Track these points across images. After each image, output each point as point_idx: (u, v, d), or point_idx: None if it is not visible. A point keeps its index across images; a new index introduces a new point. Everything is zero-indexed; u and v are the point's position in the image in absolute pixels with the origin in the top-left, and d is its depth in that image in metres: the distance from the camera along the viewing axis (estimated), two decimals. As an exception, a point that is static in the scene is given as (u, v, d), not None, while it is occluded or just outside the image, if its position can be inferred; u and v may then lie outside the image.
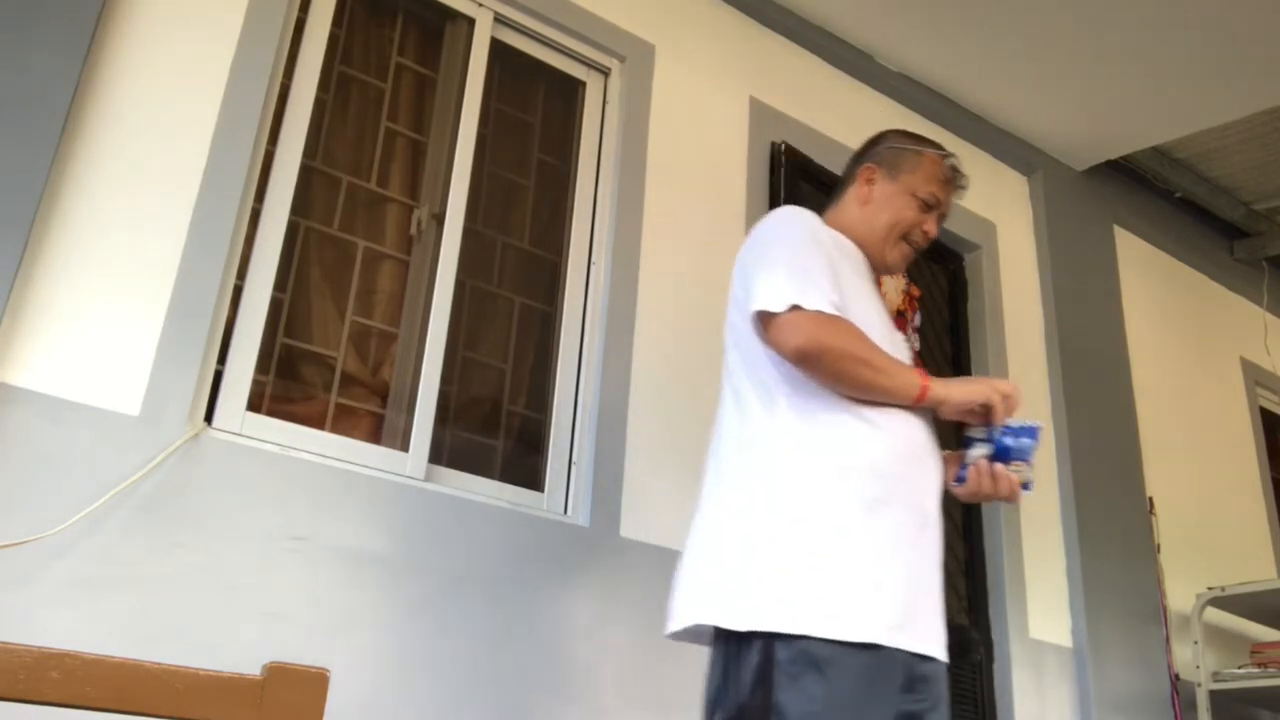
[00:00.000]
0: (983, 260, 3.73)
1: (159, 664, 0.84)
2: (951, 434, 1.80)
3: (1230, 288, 4.70)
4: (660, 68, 3.08)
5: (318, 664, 0.90)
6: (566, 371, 2.72)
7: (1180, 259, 4.52)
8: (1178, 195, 4.51)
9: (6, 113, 1.97)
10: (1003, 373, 3.56)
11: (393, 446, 2.41)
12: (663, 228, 2.91)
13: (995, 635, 3.25)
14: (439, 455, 2.47)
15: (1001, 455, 1.71)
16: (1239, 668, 3.56)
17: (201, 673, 0.85)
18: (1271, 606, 3.66)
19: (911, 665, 1.55)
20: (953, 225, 3.57)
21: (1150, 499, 3.78)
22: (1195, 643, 3.56)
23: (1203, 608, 3.62)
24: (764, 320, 1.64)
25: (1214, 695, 3.51)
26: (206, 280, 2.14)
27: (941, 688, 1.63)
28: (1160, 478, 3.85)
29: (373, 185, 2.62)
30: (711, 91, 3.19)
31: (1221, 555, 3.99)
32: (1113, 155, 4.06)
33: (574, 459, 2.62)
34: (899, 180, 1.88)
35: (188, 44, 2.27)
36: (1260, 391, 4.66)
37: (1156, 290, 4.34)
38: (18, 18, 2.03)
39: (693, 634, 1.64)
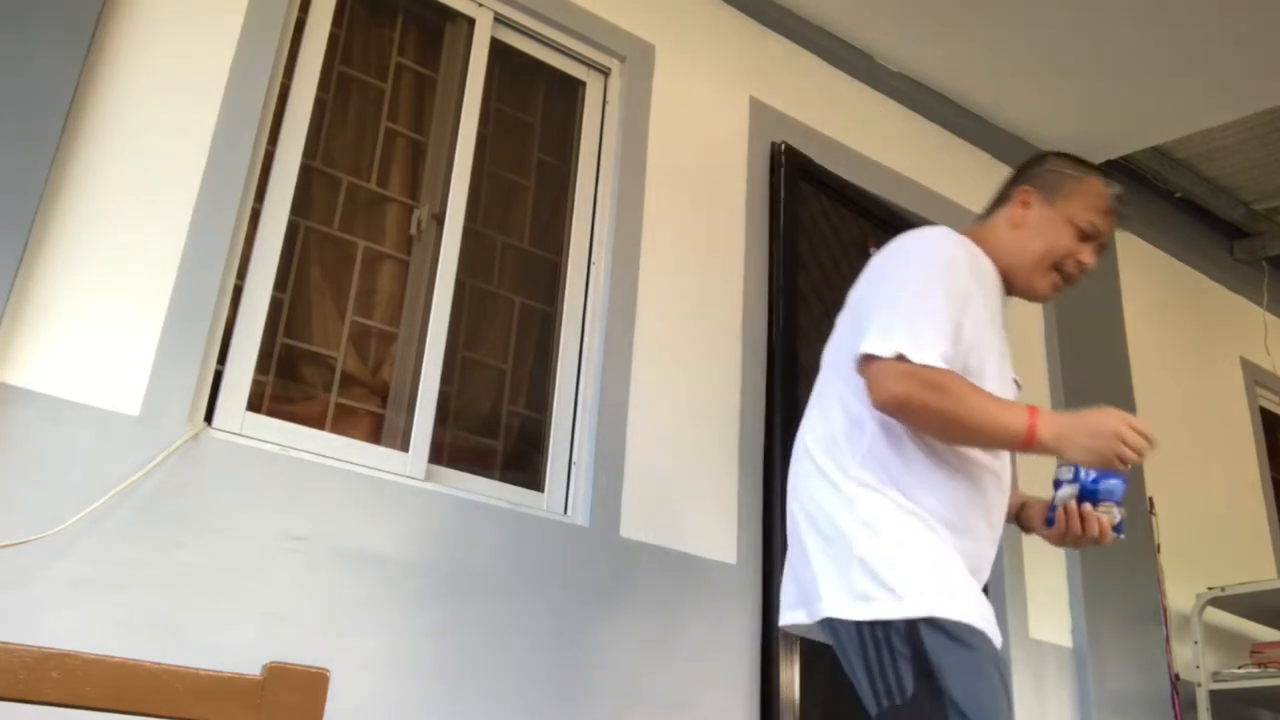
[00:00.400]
0: (983, 260, 3.73)
1: (159, 664, 0.84)
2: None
3: (1230, 288, 4.70)
4: (660, 68, 3.08)
5: (318, 664, 0.91)
6: (566, 371, 2.72)
7: (1180, 259, 4.52)
8: (1178, 195, 4.51)
9: (6, 113, 1.97)
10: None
11: (393, 446, 2.40)
12: (663, 228, 2.91)
13: (995, 635, 3.25)
14: (439, 455, 2.47)
15: (1089, 496, 1.64)
16: (1239, 668, 3.56)
17: (201, 673, 0.85)
18: (1271, 606, 3.66)
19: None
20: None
21: (1150, 499, 3.78)
22: (1195, 643, 3.56)
23: (1203, 608, 3.62)
24: (867, 358, 1.61)
25: (1214, 695, 3.51)
26: (206, 280, 2.14)
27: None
28: (1160, 478, 3.85)
29: (373, 185, 2.62)
30: (711, 91, 3.19)
31: (1221, 555, 3.99)
32: (1113, 155, 4.05)
33: (574, 459, 2.62)
34: (1057, 206, 1.80)
35: (188, 44, 2.27)
36: (1260, 391, 4.66)
37: (1156, 290, 4.34)
38: (18, 18, 2.03)
39: (804, 627, 1.64)
